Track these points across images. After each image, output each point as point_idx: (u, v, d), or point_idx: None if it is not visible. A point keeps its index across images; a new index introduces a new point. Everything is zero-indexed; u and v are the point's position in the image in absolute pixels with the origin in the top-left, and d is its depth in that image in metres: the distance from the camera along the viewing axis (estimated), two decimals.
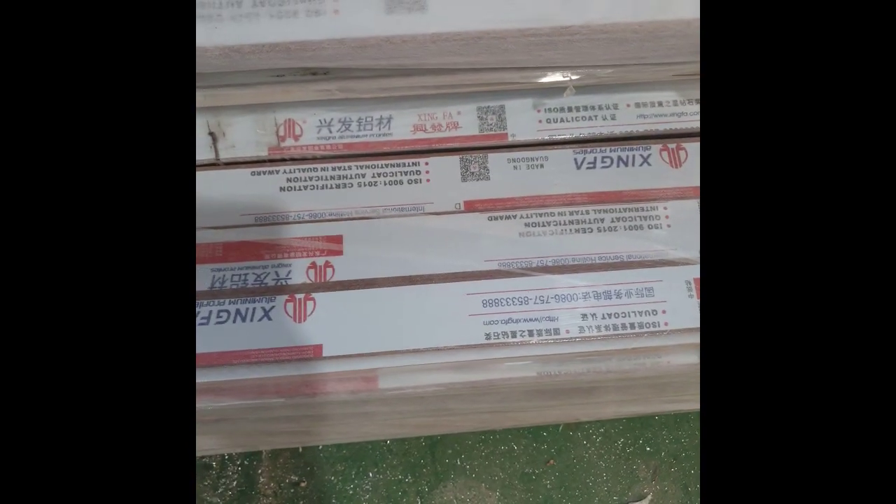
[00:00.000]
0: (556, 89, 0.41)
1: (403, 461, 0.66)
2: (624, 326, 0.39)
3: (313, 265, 0.39)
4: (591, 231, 0.41)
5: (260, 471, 0.67)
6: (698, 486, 0.65)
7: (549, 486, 0.65)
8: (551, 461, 0.66)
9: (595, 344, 0.39)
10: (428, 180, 0.41)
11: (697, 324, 0.39)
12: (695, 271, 0.40)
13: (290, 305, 0.38)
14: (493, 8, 0.27)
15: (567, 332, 0.39)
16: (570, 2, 0.28)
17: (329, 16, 0.28)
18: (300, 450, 0.65)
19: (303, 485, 0.66)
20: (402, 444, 0.66)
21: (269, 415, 0.51)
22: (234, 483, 0.66)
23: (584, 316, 0.39)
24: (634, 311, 0.39)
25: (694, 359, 0.43)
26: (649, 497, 0.65)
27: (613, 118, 0.43)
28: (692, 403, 0.57)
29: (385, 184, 0.41)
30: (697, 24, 0.28)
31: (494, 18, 0.27)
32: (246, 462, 0.67)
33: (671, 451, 0.66)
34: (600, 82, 0.39)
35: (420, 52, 0.27)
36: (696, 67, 0.39)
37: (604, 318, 0.39)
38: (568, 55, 0.30)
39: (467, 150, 0.42)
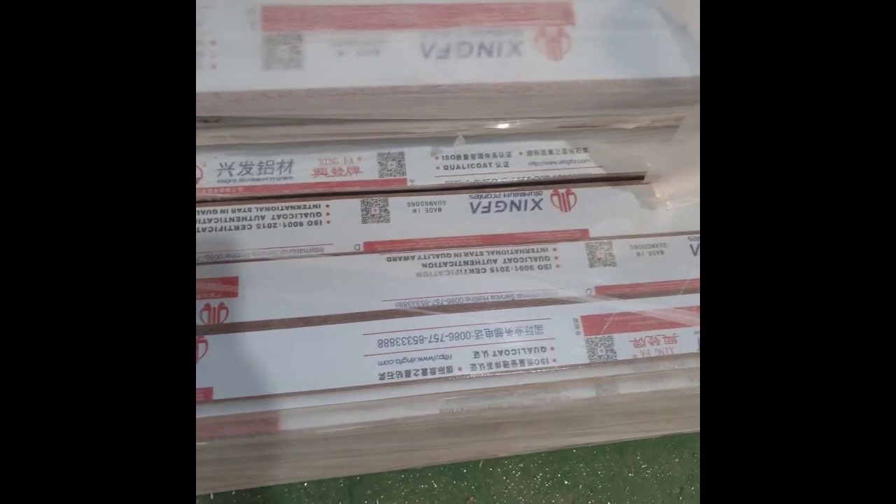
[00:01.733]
0: (452, 138, 0.43)
1: None
2: (514, 363, 0.41)
3: (207, 307, 0.39)
4: (485, 271, 0.43)
5: None
6: None
7: None
8: (471, 498, 0.66)
9: (487, 381, 0.41)
10: (328, 222, 0.42)
11: (585, 360, 0.42)
12: (581, 309, 0.42)
13: None
14: (365, 66, 0.29)
15: (460, 369, 0.40)
16: (439, 64, 0.30)
17: (206, 70, 0.29)
18: (211, 496, 0.63)
19: None
20: (320, 486, 0.65)
21: None
22: None
23: (476, 353, 0.41)
24: (524, 348, 0.41)
25: (591, 393, 0.45)
26: None
27: (507, 165, 0.46)
28: (597, 436, 0.59)
29: (284, 225, 0.42)
30: (558, 85, 0.31)
31: (367, 76, 0.29)
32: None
33: (588, 483, 0.68)
34: (488, 133, 0.41)
35: (297, 105, 0.29)
36: (581, 120, 0.42)
37: (495, 355, 0.41)
38: (442, 110, 0.32)
39: (368, 193, 0.44)
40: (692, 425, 0.63)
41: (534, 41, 0.31)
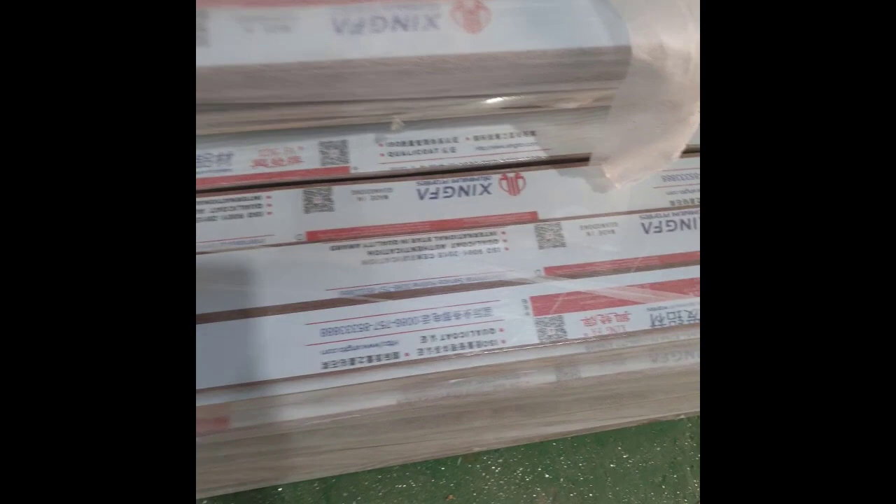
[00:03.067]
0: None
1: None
2: (463, 346, 0.40)
3: None
4: (433, 257, 0.42)
5: None
6: None
7: None
8: (450, 496, 0.65)
9: (436, 365, 0.40)
10: (269, 213, 0.42)
11: (535, 340, 0.41)
12: (530, 290, 0.42)
13: None
14: (275, 43, 0.29)
15: (406, 354, 0.39)
16: (353, 39, 0.30)
17: None
18: None
19: None
20: (294, 490, 0.64)
21: None
22: None
23: (424, 338, 0.40)
24: (473, 331, 0.40)
25: (552, 377, 0.44)
26: None
27: (454, 151, 0.45)
28: (567, 425, 0.58)
29: (224, 218, 0.41)
30: (476, 57, 0.31)
31: (277, 53, 0.29)
32: None
33: (569, 476, 0.67)
34: (426, 117, 0.41)
35: (206, 84, 0.29)
36: (524, 99, 0.42)
37: (443, 338, 0.40)
38: (363, 88, 0.32)
39: (311, 182, 0.44)
40: (664, 410, 0.62)
41: (450, 14, 0.31)
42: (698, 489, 0.66)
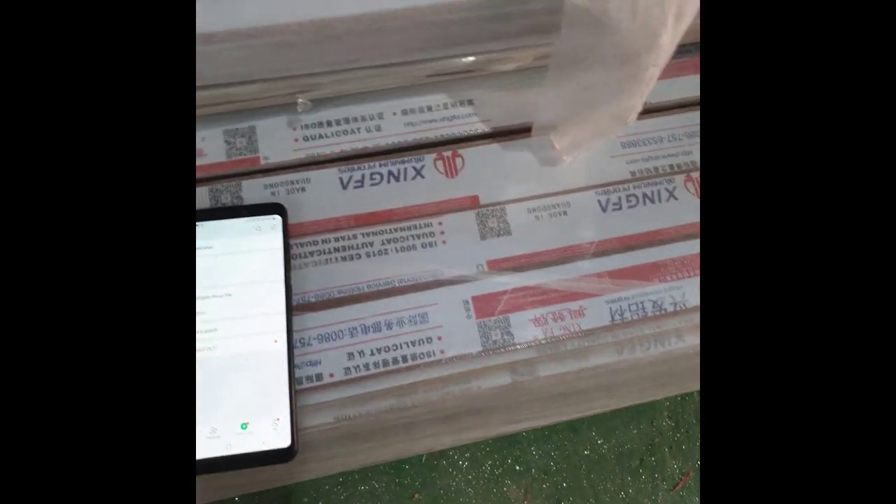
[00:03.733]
0: (304, 103, 0.37)
1: None
2: (395, 360, 0.35)
3: None
4: (359, 257, 0.37)
5: None
6: (570, 498, 0.62)
7: None
8: (416, 495, 0.61)
9: (365, 385, 0.35)
10: None
11: (478, 347, 0.36)
12: (472, 289, 0.37)
13: None
14: None
15: (331, 376, 0.35)
16: (214, 6, 0.23)
17: None
18: None
19: None
20: (253, 499, 0.60)
21: None
22: None
23: (351, 355, 0.35)
24: (406, 342, 0.35)
25: (506, 379, 0.40)
26: None
27: (379, 129, 0.39)
28: (528, 422, 0.54)
29: None
30: (368, 18, 0.25)
31: None
32: None
33: (541, 466, 0.63)
34: (339, 93, 0.35)
35: None
36: (451, 64, 0.36)
37: (372, 354, 0.35)
38: (249, 63, 0.26)
39: (216, 178, 0.37)
40: (637, 398, 0.58)
41: None
42: (677, 471, 0.63)
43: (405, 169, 0.39)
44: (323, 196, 0.38)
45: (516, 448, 0.63)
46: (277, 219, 0.36)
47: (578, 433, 0.64)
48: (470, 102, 0.40)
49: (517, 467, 0.63)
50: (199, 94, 0.32)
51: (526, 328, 0.36)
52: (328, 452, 0.47)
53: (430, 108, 0.40)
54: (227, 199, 0.37)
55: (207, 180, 0.38)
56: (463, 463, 0.62)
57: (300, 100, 0.33)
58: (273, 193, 0.38)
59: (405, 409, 0.39)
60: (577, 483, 0.63)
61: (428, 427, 0.49)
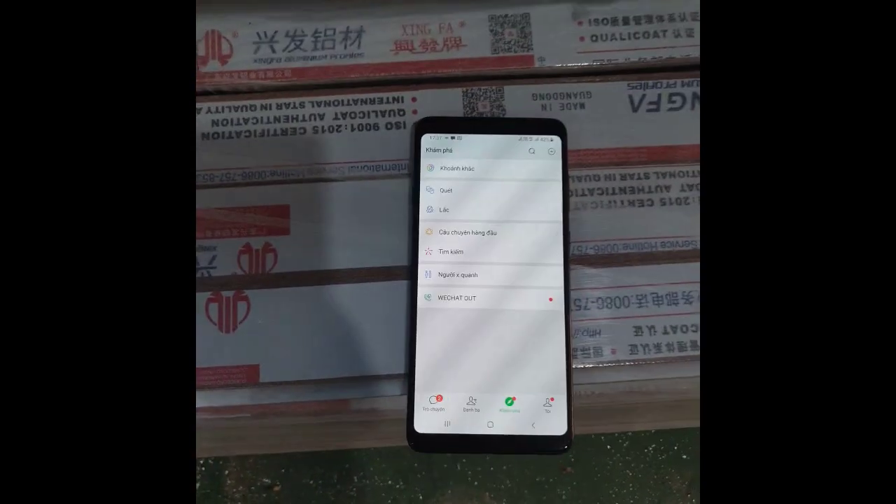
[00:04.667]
0: None
1: (393, 465, 0.56)
2: (695, 345, 0.27)
3: (248, 248, 0.27)
4: (652, 204, 0.28)
5: (227, 472, 0.57)
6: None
7: (563, 496, 0.55)
8: (567, 468, 0.56)
9: (653, 370, 0.27)
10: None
11: None
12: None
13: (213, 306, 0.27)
14: None
15: (613, 352, 0.27)
16: None
17: None
18: None
19: (276, 489, 0.57)
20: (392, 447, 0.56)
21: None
22: (198, 485, 0.56)
23: (638, 330, 0.27)
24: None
25: None
26: None
27: (691, 34, 0.29)
28: None
29: (353, 128, 0.28)
30: None
31: None
32: (211, 462, 0.57)
33: None
34: None
35: None
36: None
37: (666, 332, 0.27)
38: None
39: (474, 79, 0.29)
40: None
41: None
42: None
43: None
44: (607, 118, 0.29)
45: (686, 435, 0.56)
46: (556, 141, 0.28)
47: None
48: None
49: (683, 456, 0.56)
50: None
51: None
52: None
53: None
54: (484, 108, 0.29)
55: (463, 80, 0.29)
56: (623, 442, 0.56)
57: None
58: (543, 107, 0.29)
59: (644, 394, 0.31)
60: None
61: (648, 413, 0.41)
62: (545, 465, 0.56)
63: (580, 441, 0.56)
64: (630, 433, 0.56)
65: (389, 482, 0.55)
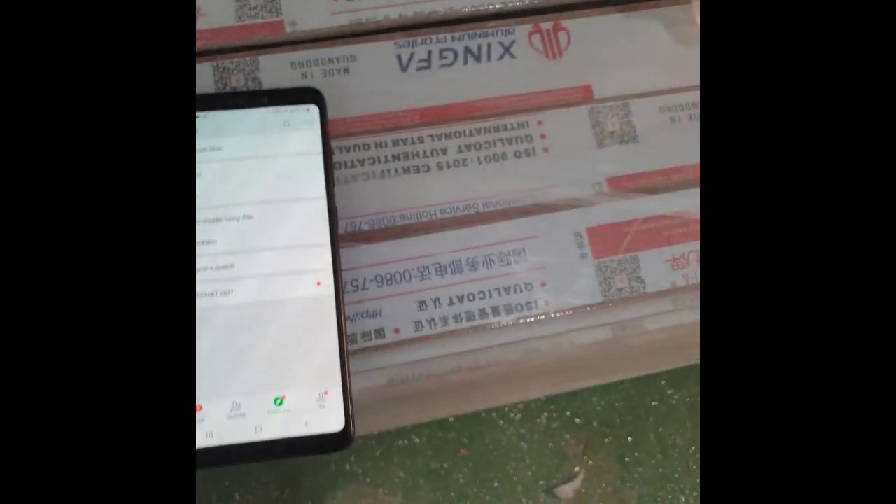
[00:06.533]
0: None
1: (277, 475, 0.53)
2: (484, 313, 0.25)
3: None
4: (428, 169, 0.26)
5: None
6: (635, 454, 0.55)
7: (461, 480, 0.54)
8: (462, 451, 0.55)
9: (443, 345, 0.26)
10: None
11: (598, 298, 0.26)
12: (587, 217, 0.26)
13: None
14: None
15: (396, 332, 0.25)
16: None
17: None
18: None
19: None
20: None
21: None
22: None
23: (423, 304, 0.25)
24: (498, 288, 0.25)
25: (607, 335, 0.31)
26: (581, 476, 0.54)
27: None
28: (604, 378, 0.45)
29: None
30: None
31: None
32: None
33: (603, 419, 0.56)
34: None
35: None
36: None
37: (451, 303, 0.25)
38: None
39: (222, 52, 0.26)
40: None
41: None
42: None
43: (489, 45, 0.28)
44: (375, 80, 0.27)
45: (577, 399, 0.55)
46: (313, 109, 0.25)
47: (646, 382, 0.56)
48: None
49: (576, 420, 0.56)
50: None
51: (661, 271, 0.26)
52: (374, 418, 0.39)
53: None
54: (238, 82, 0.26)
55: (209, 53, 0.26)
56: (515, 415, 0.55)
57: None
58: (304, 76, 0.27)
59: (476, 370, 0.30)
60: (644, 437, 0.55)
61: (496, 387, 0.40)
62: (438, 451, 0.54)
63: (471, 420, 0.55)
64: (521, 405, 0.55)
65: (276, 493, 0.52)
